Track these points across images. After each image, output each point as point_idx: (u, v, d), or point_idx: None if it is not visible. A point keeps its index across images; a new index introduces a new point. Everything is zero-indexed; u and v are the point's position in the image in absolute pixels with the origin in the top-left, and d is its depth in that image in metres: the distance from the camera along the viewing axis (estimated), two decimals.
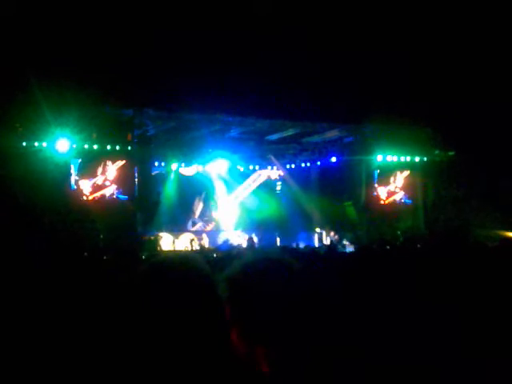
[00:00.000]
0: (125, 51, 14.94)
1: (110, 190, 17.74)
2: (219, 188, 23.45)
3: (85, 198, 17.38)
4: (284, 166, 23.67)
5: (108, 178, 17.70)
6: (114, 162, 17.78)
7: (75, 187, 17.22)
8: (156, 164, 21.08)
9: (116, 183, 17.83)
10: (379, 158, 20.56)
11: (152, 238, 19.02)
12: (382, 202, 21.28)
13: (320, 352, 1.99)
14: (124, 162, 17.88)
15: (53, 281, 4.80)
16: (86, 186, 17.39)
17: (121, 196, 17.91)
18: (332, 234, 21.87)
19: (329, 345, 1.99)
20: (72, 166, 17.11)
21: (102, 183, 17.64)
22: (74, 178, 17.17)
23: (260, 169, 24.05)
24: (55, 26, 14.35)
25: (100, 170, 17.62)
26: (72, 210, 16.39)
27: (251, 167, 23.91)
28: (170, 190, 22.08)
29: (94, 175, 17.54)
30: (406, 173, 21.55)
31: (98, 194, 17.57)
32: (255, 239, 20.41)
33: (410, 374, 2.84)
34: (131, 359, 1.96)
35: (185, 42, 15.40)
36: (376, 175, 21.12)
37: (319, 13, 16.10)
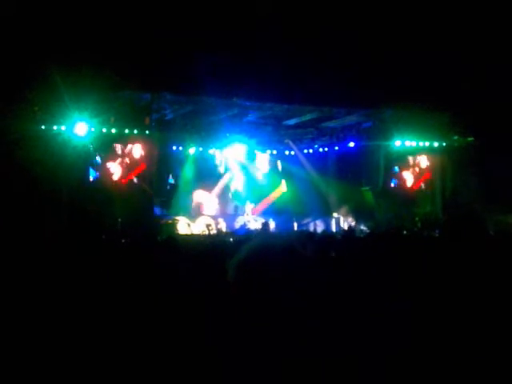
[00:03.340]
0: (143, 35, 14.94)
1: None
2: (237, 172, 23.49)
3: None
4: (301, 151, 23.59)
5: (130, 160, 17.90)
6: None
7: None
8: (174, 148, 21.13)
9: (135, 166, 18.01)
10: (397, 143, 20.43)
11: (169, 221, 19.12)
12: (399, 188, 21.18)
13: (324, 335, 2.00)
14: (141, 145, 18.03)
15: (71, 262, 4.85)
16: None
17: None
18: (349, 219, 21.82)
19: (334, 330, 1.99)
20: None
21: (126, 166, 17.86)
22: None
23: (277, 153, 24.04)
24: (74, 10, 14.38)
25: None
26: (91, 193, 16.55)
27: (268, 152, 23.89)
28: (187, 174, 22.14)
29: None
30: (425, 158, 21.40)
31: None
32: (272, 224, 20.41)
33: (422, 359, 2.84)
34: (147, 333, 1.99)
35: (202, 25, 15.35)
36: (394, 160, 21.00)
37: None
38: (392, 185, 21.09)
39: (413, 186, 21.36)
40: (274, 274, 1.97)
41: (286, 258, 2.04)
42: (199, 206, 22.58)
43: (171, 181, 20.15)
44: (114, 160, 17.66)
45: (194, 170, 22.27)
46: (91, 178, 17.22)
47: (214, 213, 22.64)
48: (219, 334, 2.02)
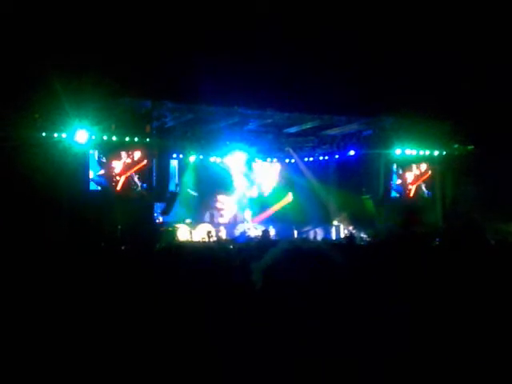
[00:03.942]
0: (144, 44, 14.98)
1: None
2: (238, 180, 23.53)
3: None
4: (302, 159, 23.59)
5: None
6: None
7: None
8: (174, 156, 21.15)
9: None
10: (398, 151, 20.42)
11: (169, 229, 19.10)
12: (400, 196, 21.17)
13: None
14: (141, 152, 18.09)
15: (71, 268, 4.85)
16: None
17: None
18: (350, 227, 21.80)
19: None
20: None
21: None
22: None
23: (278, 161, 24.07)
24: (75, 18, 14.43)
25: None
26: (91, 200, 16.57)
27: (269, 160, 23.91)
28: (188, 182, 22.17)
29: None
30: (425, 167, 21.39)
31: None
32: (272, 232, 20.39)
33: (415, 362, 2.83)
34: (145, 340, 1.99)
35: (203, 34, 15.39)
36: (394, 169, 21.00)
37: (337, 3, 16.02)
38: (392, 193, 21.07)
39: (413, 194, 21.35)
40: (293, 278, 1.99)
41: (311, 265, 2.05)
42: (217, 212, 22.84)
43: (171, 188, 20.14)
44: (118, 159, 17.74)
45: (195, 178, 22.34)
46: (96, 174, 17.34)
47: (229, 219, 22.92)
48: (219, 336, 2.02)
